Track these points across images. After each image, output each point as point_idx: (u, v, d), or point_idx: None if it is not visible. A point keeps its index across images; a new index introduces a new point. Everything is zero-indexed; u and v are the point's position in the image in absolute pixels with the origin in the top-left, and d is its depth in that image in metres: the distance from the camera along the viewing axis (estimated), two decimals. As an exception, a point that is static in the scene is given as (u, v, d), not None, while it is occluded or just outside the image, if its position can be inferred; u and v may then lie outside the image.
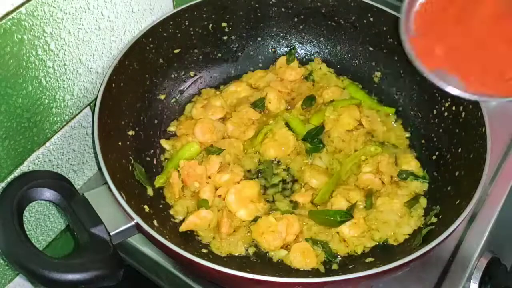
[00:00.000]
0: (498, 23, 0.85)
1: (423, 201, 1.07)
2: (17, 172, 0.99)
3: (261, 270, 0.92)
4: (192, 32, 1.24)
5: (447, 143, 1.11)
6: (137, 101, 1.15)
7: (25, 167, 1.00)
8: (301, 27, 1.32)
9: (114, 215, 0.90)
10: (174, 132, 1.20)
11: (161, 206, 1.07)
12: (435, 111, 1.17)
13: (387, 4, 1.23)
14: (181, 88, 1.26)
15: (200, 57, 1.28)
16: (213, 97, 1.24)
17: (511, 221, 1.26)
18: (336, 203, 1.05)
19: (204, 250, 1.00)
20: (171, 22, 1.19)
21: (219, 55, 1.30)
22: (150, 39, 1.16)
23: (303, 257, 0.99)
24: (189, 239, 1.02)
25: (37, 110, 0.97)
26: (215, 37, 1.28)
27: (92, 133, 0.97)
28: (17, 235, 0.84)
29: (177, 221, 1.05)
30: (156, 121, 1.19)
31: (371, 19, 1.24)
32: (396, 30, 1.22)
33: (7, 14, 0.82)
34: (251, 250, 1.02)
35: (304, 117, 1.21)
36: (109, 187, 0.91)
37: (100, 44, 1.06)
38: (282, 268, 1.00)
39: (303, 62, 1.33)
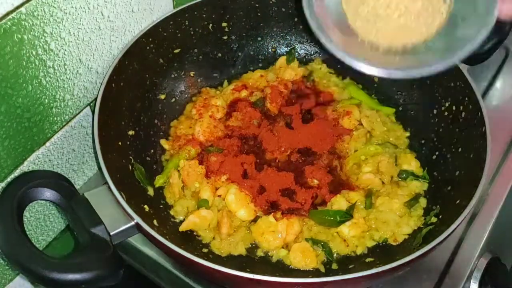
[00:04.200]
0: None
1: (423, 201, 1.07)
2: (17, 172, 0.99)
3: (261, 270, 0.92)
4: (192, 32, 1.24)
5: (447, 143, 1.11)
6: (137, 101, 1.15)
7: (25, 167, 1.00)
8: (301, 27, 1.32)
9: (114, 215, 0.90)
10: (174, 132, 1.20)
11: (161, 206, 1.07)
12: (435, 111, 1.17)
13: (387, 4, 1.23)
14: (181, 88, 1.26)
15: (200, 57, 1.28)
16: (213, 97, 1.24)
17: (511, 221, 1.26)
18: (336, 203, 1.05)
19: (205, 250, 1.00)
20: (171, 22, 1.19)
21: (219, 55, 1.30)
22: (150, 39, 1.16)
23: (303, 257, 0.99)
24: (189, 239, 1.02)
25: (37, 110, 0.97)
26: (215, 37, 1.28)
27: (92, 133, 0.97)
28: (17, 235, 0.84)
29: (177, 221, 1.05)
30: (156, 121, 1.19)
31: (371, 19, 1.24)
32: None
33: (7, 14, 0.82)
34: (251, 250, 1.02)
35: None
36: (109, 187, 0.91)
37: (100, 44, 1.06)
38: (282, 268, 1.00)
39: (303, 62, 1.33)
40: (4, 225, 0.84)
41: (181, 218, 1.05)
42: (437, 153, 1.13)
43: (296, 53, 1.34)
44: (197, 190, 1.08)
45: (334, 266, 1.00)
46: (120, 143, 1.06)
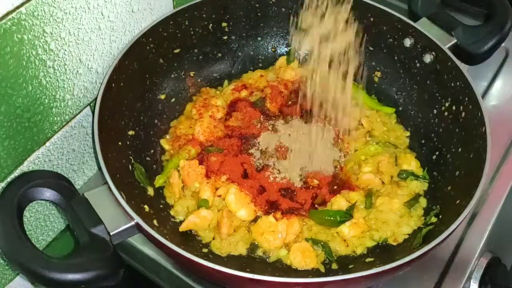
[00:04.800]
0: None
1: (423, 201, 1.07)
2: (17, 172, 0.99)
3: (261, 270, 0.92)
4: (192, 32, 1.24)
5: (447, 143, 1.11)
6: (137, 101, 1.15)
7: (25, 167, 1.00)
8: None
9: (114, 215, 0.90)
10: (174, 132, 1.20)
11: (161, 206, 1.07)
12: (435, 111, 1.17)
13: (387, 4, 1.24)
14: (181, 88, 1.26)
15: (200, 57, 1.28)
16: (213, 97, 1.24)
17: (511, 221, 1.26)
18: (336, 203, 1.05)
19: (205, 250, 1.01)
20: (171, 22, 1.19)
21: (219, 55, 1.30)
22: (150, 39, 1.15)
23: (303, 257, 0.99)
24: (189, 239, 1.02)
25: (37, 110, 0.97)
26: (215, 37, 1.28)
27: (92, 133, 0.97)
28: (17, 235, 0.84)
29: (177, 221, 1.05)
30: (156, 121, 1.19)
31: (371, 19, 1.24)
32: (396, 30, 1.22)
33: (7, 14, 0.82)
34: (251, 250, 1.02)
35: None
36: (109, 187, 0.91)
37: (100, 44, 1.06)
38: (282, 268, 1.00)
39: (303, 62, 1.33)
40: (4, 225, 0.84)
41: (181, 218, 1.05)
42: (437, 153, 1.13)
43: (296, 53, 1.34)
44: (197, 190, 1.08)
45: (334, 266, 1.00)
46: (120, 143, 1.06)
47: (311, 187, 1.10)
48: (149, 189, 1.07)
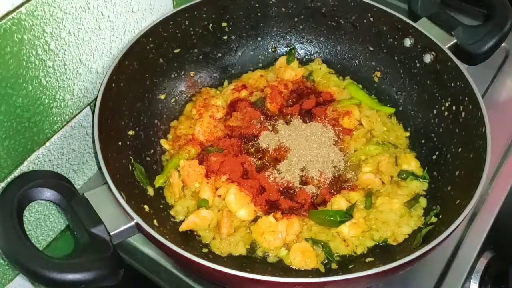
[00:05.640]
0: None
1: (423, 201, 1.07)
2: (17, 172, 0.99)
3: (261, 270, 0.92)
4: (192, 32, 1.24)
5: (447, 143, 1.11)
6: (137, 101, 1.15)
7: (25, 167, 1.00)
8: (301, 27, 1.32)
9: (114, 215, 0.90)
10: (174, 132, 1.20)
11: (161, 206, 1.07)
12: (435, 111, 1.17)
13: (387, 4, 1.24)
14: (181, 88, 1.26)
15: (200, 57, 1.28)
16: (213, 97, 1.24)
17: (511, 221, 1.26)
18: (336, 203, 1.05)
19: (205, 250, 1.01)
20: (171, 22, 1.19)
21: (219, 55, 1.30)
22: (150, 39, 1.16)
23: (303, 257, 0.99)
24: (189, 239, 1.02)
25: (37, 110, 0.97)
26: (215, 37, 1.28)
27: (92, 133, 0.97)
28: (17, 235, 0.84)
29: (177, 221, 1.05)
30: (156, 121, 1.19)
31: (371, 19, 1.24)
32: (396, 30, 1.22)
33: (7, 14, 0.82)
34: (251, 250, 1.02)
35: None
36: (109, 187, 0.91)
37: (100, 44, 1.06)
38: (282, 268, 1.00)
39: (303, 62, 1.33)
40: (4, 225, 0.84)
41: (181, 218, 1.05)
42: (437, 153, 1.13)
43: (296, 53, 1.34)
44: (197, 190, 1.08)
45: (334, 266, 1.00)
46: (120, 143, 1.06)
47: (311, 187, 1.10)
48: (149, 189, 1.07)
